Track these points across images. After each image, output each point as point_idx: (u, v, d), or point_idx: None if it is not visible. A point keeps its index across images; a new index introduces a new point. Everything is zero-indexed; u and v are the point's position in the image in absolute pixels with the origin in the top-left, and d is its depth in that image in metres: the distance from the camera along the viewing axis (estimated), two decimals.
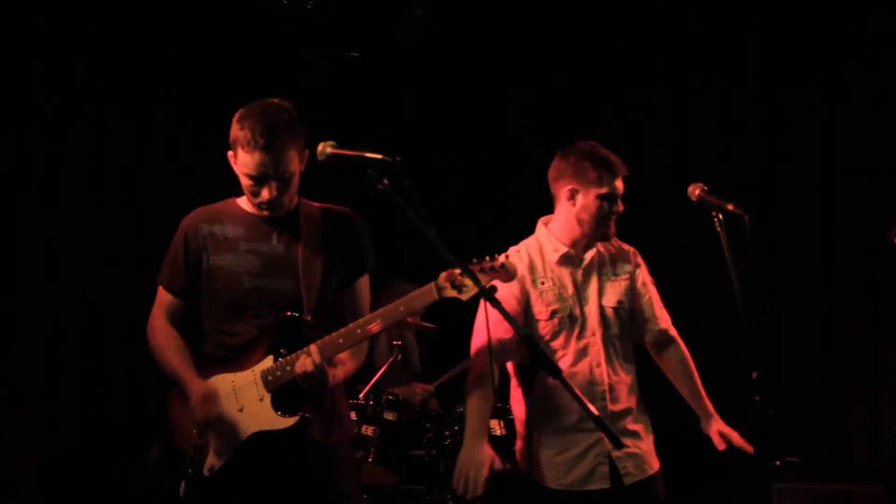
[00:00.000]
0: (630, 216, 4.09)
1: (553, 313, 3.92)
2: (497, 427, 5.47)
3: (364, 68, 6.86)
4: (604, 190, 3.90)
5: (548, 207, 4.08)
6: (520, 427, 4.06)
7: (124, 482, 5.14)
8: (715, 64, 6.37)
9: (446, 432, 5.53)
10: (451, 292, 3.26)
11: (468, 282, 3.19)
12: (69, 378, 5.49)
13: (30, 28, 5.38)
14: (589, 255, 4.00)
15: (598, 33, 6.63)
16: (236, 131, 3.47)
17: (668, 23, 6.48)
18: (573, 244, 3.99)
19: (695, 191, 3.87)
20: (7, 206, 5.28)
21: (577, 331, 3.92)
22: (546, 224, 4.07)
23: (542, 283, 3.94)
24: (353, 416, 5.37)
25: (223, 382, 3.53)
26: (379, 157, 3.20)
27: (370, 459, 5.41)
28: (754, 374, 3.79)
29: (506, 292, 3.77)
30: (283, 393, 3.45)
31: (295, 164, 3.48)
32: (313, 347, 3.39)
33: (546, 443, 3.89)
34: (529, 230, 4.09)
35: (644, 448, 3.98)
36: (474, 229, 6.77)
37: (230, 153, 3.53)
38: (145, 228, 5.78)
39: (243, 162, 3.44)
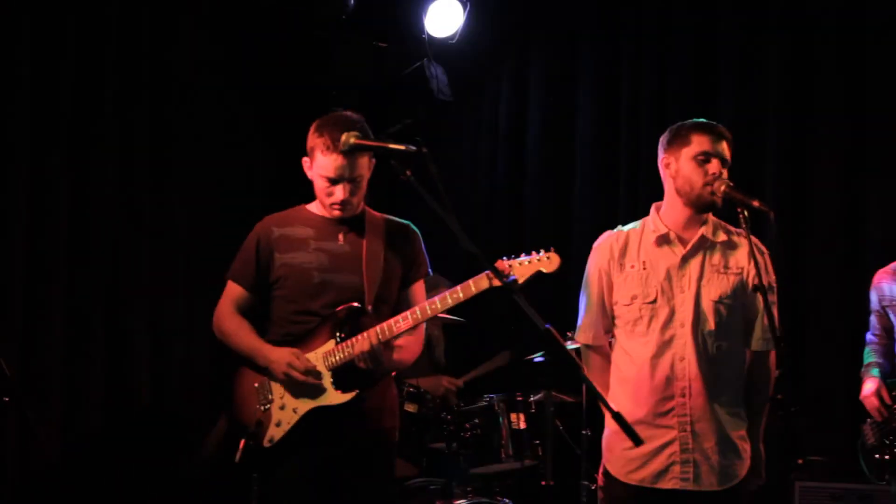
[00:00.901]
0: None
1: (633, 298, 3.79)
2: (518, 420, 5.46)
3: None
4: (694, 149, 3.75)
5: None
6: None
7: (190, 454, 5.49)
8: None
9: (466, 425, 5.50)
10: (497, 283, 3.39)
11: (518, 271, 3.53)
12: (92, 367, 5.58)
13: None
14: (693, 239, 3.80)
15: None
16: (315, 138, 3.88)
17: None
18: (677, 224, 3.82)
19: (720, 186, 3.80)
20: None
21: (663, 319, 3.76)
22: (657, 206, 3.94)
23: (632, 267, 3.82)
24: None
25: None
26: (402, 147, 3.29)
27: None
28: (777, 372, 3.75)
29: (594, 278, 3.89)
30: (343, 373, 3.83)
31: (365, 168, 3.90)
32: (372, 330, 3.76)
33: (620, 435, 3.75)
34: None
35: (727, 458, 3.77)
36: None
37: (305, 159, 3.96)
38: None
39: (322, 165, 3.85)
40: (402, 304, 4.00)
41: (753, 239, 3.66)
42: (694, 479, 3.73)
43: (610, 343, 3.97)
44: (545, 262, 3.57)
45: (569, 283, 4.28)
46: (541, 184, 7.22)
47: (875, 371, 4.99)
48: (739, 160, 3.95)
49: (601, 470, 3.94)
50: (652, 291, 3.78)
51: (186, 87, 6.09)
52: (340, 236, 3.98)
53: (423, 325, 4.00)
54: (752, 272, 3.73)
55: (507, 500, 5.38)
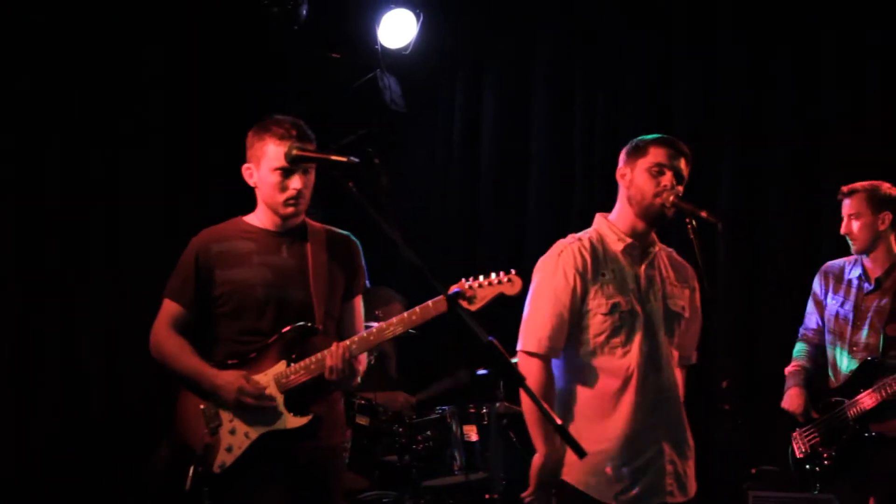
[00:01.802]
0: None
1: (613, 307, 3.71)
2: (470, 433, 5.45)
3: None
4: (650, 160, 3.77)
5: None
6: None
7: (134, 479, 5.22)
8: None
9: (418, 437, 5.48)
10: (461, 302, 3.41)
11: (479, 293, 3.49)
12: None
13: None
14: (652, 251, 3.84)
15: None
16: (262, 135, 3.78)
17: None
18: (633, 234, 3.82)
19: (669, 197, 3.81)
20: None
21: (640, 330, 3.72)
22: (605, 217, 3.92)
23: (604, 276, 3.75)
24: None
25: None
26: (343, 159, 3.26)
27: None
28: (724, 383, 3.77)
29: (561, 284, 3.72)
30: (296, 395, 3.70)
31: (313, 165, 3.76)
32: (342, 344, 3.66)
33: (606, 454, 3.69)
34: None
35: (691, 468, 3.80)
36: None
37: (246, 167, 3.84)
38: None
39: (275, 156, 3.71)
40: (344, 317, 3.92)
41: (697, 249, 3.71)
42: (680, 491, 3.73)
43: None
44: (507, 284, 3.54)
45: (519, 295, 4.24)
46: (495, 193, 7.23)
47: (799, 379, 5.04)
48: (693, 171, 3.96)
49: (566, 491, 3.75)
50: (629, 300, 3.75)
51: (136, 100, 6.02)
52: (283, 249, 3.84)
53: None
54: (696, 297, 3.88)
55: None
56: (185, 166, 6.29)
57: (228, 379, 3.69)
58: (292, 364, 3.71)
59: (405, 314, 3.63)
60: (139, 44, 6.04)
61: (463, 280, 3.56)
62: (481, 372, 5.75)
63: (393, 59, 6.98)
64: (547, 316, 3.75)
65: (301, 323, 3.72)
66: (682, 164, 3.80)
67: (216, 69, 6.39)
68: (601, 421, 3.68)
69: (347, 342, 3.67)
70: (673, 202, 3.74)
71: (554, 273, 3.78)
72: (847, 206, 5.01)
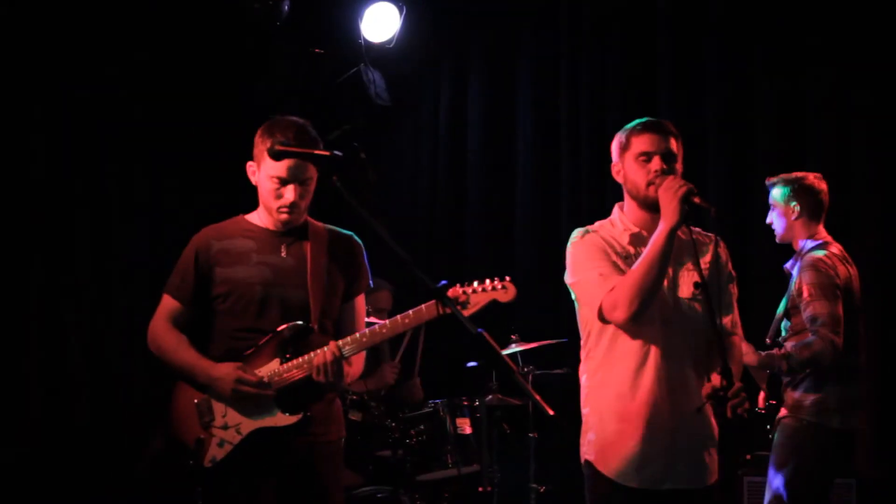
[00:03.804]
0: (598, 210, 4.01)
1: None
2: (463, 425, 5.45)
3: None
4: (635, 150, 3.73)
5: None
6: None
7: (129, 470, 5.19)
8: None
9: (412, 432, 5.48)
10: (453, 311, 3.27)
11: (473, 299, 3.48)
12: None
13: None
14: None
15: None
16: (266, 139, 3.73)
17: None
18: (640, 224, 3.78)
19: (660, 185, 3.77)
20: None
21: (647, 319, 3.67)
22: (621, 207, 3.89)
23: (624, 259, 3.73)
24: None
25: None
26: (327, 153, 3.28)
27: None
28: (718, 369, 3.74)
29: (596, 249, 3.72)
30: (288, 393, 3.71)
31: (314, 171, 3.74)
32: (332, 343, 3.65)
33: (624, 434, 3.68)
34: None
35: (710, 456, 3.75)
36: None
37: (250, 164, 3.82)
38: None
39: (272, 165, 3.69)
40: (344, 317, 3.93)
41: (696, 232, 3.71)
42: (698, 476, 3.72)
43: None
44: (501, 291, 3.53)
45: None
46: (482, 186, 7.22)
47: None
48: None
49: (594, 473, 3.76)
50: None
51: (120, 99, 6.01)
52: (283, 249, 3.85)
53: None
54: (719, 266, 3.80)
55: None
56: (169, 165, 6.28)
57: (225, 370, 3.71)
58: (286, 363, 3.71)
59: (398, 317, 3.62)
60: (119, 41, 6.01)
61: (458, 285, 3.55)
62: (472, 364, 5.76)
63: (377, 54, 6.95)
64: (600, 280, 3.70)
65: (296, 322, 3.73)
66: (671, 143, 3.74)
67: (198, 67, 6.36)
68: (621, 401, 3.69)
69: (340, 342, 3.66)
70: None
71: (585, 248, 3.78)
72: (770, 196, 5.08)
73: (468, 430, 5.45)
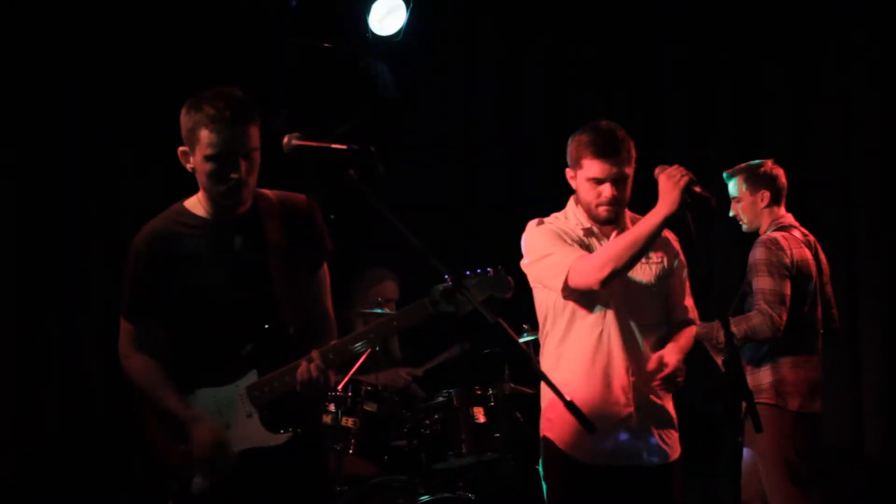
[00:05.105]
0: None
1: None
2: (477, 414, 5.47)
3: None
4: (586, 173, 3.84)
5: None
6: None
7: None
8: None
9: (426, 421, 5.52)
10: (446, 307, 3.26)
11: (465, 297, 3.17)
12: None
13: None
14: (613, 234, 3.91)
15: None
16: (194, 116, 3.32)
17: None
18: (592, 222, 3.94)
19: (661, 173, 3.81)
20: None
21: (603, 309, 3.85)
22: (577, 201, 4.00)
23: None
24: (331, 407, 5.39)
25: (205, 398, 3.42)
26: (344, 147, 3.19)
27: (350, 451, 5.41)
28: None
29: (554, 233, 3.88)
30: (273, 408, 3.38)
31: (258, 140, 3.35)
32: (315, 353, 3.32)
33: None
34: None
35: (668, 434, 3.93)
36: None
37: (182, 149, 3.40)
38: None
39: (208, 142, 3.28)
40: (309, 292, 3.53)
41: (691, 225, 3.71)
42: (656, 454, 3.89)
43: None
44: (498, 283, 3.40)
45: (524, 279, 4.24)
46: (492, 180, 7.23)
47: None
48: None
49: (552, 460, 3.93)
50: None
51: (124, 95, 6.00)
52: (237, 241, 3.43)
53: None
54: (676, 262, 3.99)
55: (469, 495, 5.39)
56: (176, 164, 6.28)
57: (203, 437, 3.32)
58: (264, 375, 3.38)
59: (383, 320, 3.48)
60: (126, 35, 6.00)
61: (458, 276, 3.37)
62: (487, 351, 5.80)
63: (384, 47, 6.96)
64: (564, 251, 3.85)
65: (268, 327, 3.40)
66: (623, 167, 3.81)
67: (204, 61, 6.33)
68: (577, 379, 3.84)
69: (321, 352, 3.32)
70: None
71: (546, 231, 3.95)
72: (730, 188, 5.15)
73: (482, 419, 5.48)
